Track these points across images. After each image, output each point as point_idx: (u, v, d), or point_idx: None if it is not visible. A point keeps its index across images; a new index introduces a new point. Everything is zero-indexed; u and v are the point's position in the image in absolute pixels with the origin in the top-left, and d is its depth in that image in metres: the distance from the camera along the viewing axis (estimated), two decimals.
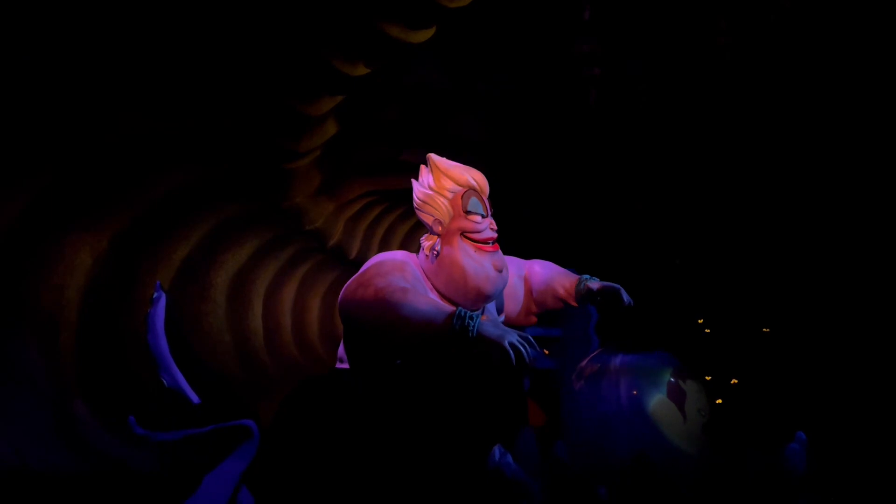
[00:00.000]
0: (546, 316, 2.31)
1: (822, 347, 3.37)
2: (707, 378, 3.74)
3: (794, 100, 3.86)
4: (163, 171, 3.62)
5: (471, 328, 1.75)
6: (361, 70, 3.38)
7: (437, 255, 2.12)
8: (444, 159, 2.28)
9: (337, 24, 2.98)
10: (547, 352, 2.36)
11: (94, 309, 3.41)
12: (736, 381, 3.77)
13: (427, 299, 1.88)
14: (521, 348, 1.73)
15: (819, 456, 1.74)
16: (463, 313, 1.79)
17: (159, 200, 3.78)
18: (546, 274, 2.31)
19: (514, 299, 2.31)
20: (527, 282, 2.33)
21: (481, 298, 2.08)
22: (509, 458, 1.57)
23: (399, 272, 2.03)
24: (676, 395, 1.76)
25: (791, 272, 3.87)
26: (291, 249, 4.73)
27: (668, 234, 4.21)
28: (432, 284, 2.12)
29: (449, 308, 1.85)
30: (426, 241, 2.20)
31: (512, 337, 1.75)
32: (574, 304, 2.21)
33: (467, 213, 2.14)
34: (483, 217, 2.15)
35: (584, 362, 2.00)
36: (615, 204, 4.49)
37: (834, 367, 3.19)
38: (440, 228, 2.14)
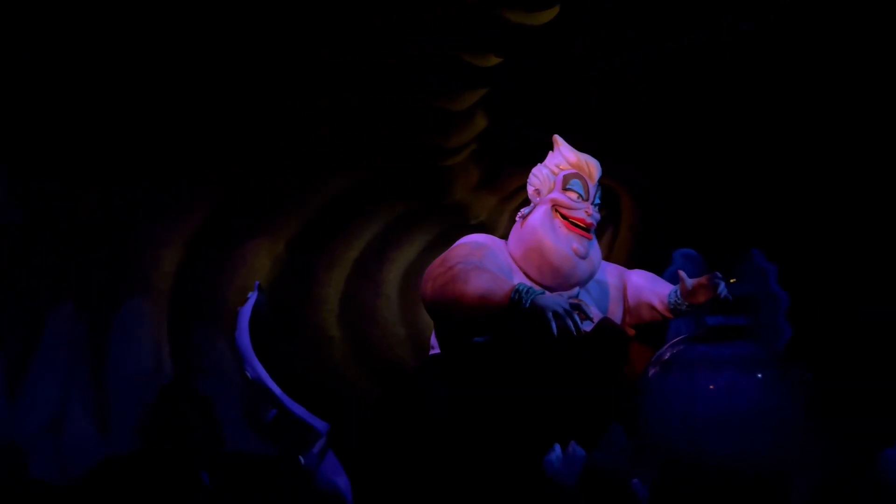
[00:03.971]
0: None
1: None
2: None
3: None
4: (329, 176, 3.94)
5: (524, 299, 1.71)
6: (493, 60, 3.37)
7: (522, 220, 2.08)
8: (566, 143, 2.23)
9: (458, 16, 3.00)
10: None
11: (274, 307, 3.78)
12: None
13: (492, 275, 1.86)
14: (566, 319, 1.64)
15: None
16: (522, 287, 1.75)
17: (328, 204, 4.11)
18: (642, 284, 2.14)
19: (610, 306, 2.17)
20: (624, 290, 2.18)
21: (558, 277, 1.98)
22: (553, 457, 1.49)
23: (475, 254, 2.02)
24: (759, 389, 1.52)
25: None
26: None
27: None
28: (515, 262, 2.07)
29: (511, 283, 1.81)
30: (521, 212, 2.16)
31: (557, 306, 1.66)
32: (670, 315, 2.05)
33: (566, 189, 2.07)
34: (582, 199, 2.05)
35: (662, 349, 1.80)
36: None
37: None
38: (538, 197, 2.11)
